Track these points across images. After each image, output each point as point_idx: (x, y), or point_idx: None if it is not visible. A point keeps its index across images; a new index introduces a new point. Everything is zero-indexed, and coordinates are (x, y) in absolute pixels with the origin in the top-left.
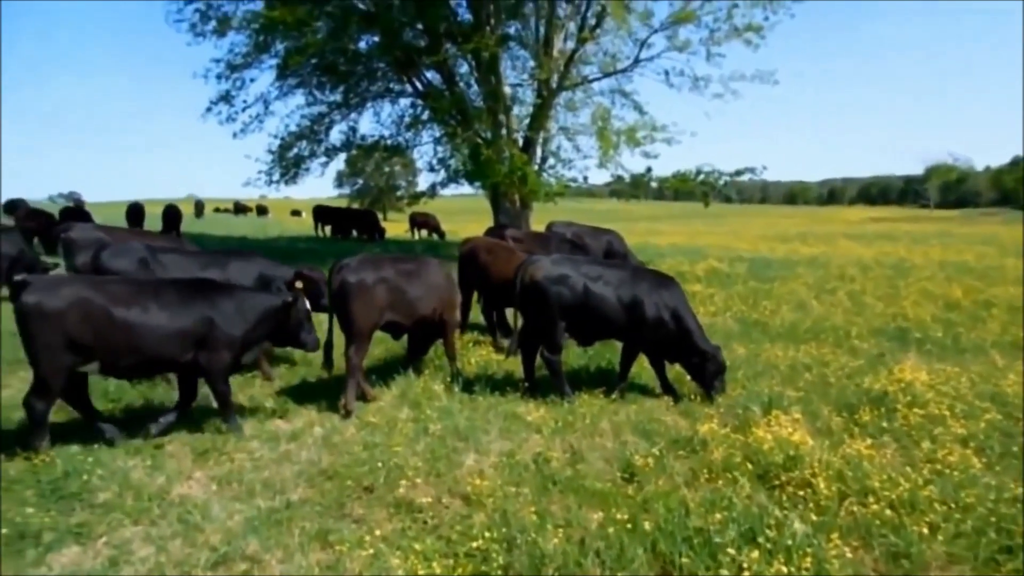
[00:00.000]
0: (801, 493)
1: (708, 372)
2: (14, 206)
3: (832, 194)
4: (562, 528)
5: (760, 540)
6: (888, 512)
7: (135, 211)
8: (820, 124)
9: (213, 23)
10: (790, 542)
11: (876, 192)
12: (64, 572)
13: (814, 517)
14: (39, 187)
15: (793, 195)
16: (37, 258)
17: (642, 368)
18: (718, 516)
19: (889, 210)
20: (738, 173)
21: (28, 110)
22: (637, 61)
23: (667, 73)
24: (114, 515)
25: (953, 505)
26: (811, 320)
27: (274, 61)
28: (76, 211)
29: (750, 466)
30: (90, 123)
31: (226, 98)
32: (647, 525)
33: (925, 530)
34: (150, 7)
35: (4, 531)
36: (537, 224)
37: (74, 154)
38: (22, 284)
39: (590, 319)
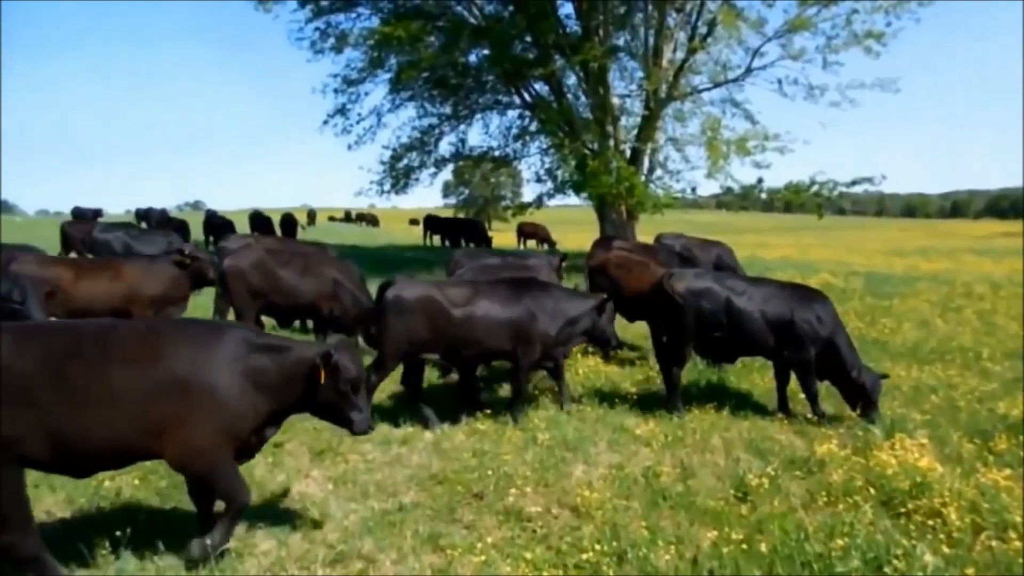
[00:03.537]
0: (930, 523)
1: (859, 393)
2: (147, 214)
3: (956, 207)
4: (673, 545)
5: (887, 570)
6: None
7: (259, 220)
8: (943, 131)
9: (332, 40)
10: (920, 574)
11: (1007, 205)
12: (193, 561)
13: (946, 550)
14: (166, 196)
15: (912, 208)
16: None
17: (753, 385)
18: (839, 542)
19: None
20: (854, 183)
21: (153, 123)
22: (749, 70)
23: (780, 82)
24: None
25: None
26: (935, 340)
27: (388, 75)
28: (220, 221)
29: (872, 491)
30: (212, 135)
31: (342, 111)
32: (763, 547)
33: None
34: (273, 26)
35: (142, 518)
36: (643, 235)
37: (197, 165)
38: (387, 282)
39: (733, 335)
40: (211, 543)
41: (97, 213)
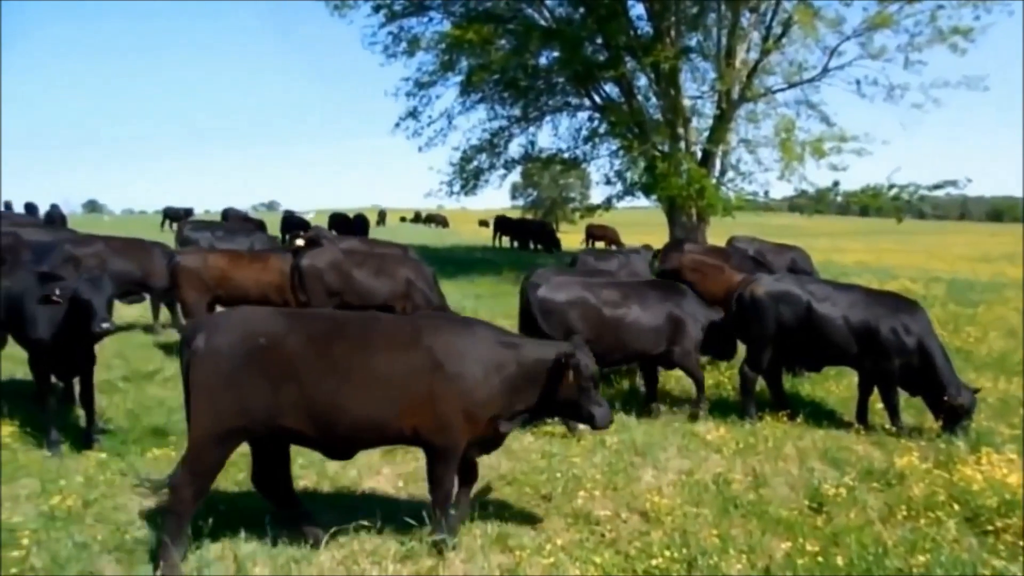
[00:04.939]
0: (1021, 543)
1: (950, 410)
2: (225, 215)
3: None
4: (745, 554)
5: None
6: None
7: (338, 220)
8: None
9: (404, 44)
10: None
11: None
12: (272, 551)
13: None
14: (241, 197)
15: (999, 211)
16: None
17: (828, 392)
18: (921, 558)
19: None
20: (937, 187)
21: (227, 125)
22: (826, 70)
23: (859, 82)
24: (315, 501)
25: None
26: None
27: (458, 78)
28: (297, 221)
29: (956, 507)
30: (285, 137)
31: (413, 114)
32: (839, 560)
33: None
34: (348, 31)
35: (221, 508)
36: (712, 238)
37: (270, 166)
38: (535, 284)
39: (813, 341)
40: (439, 537)
41: (188, 212)
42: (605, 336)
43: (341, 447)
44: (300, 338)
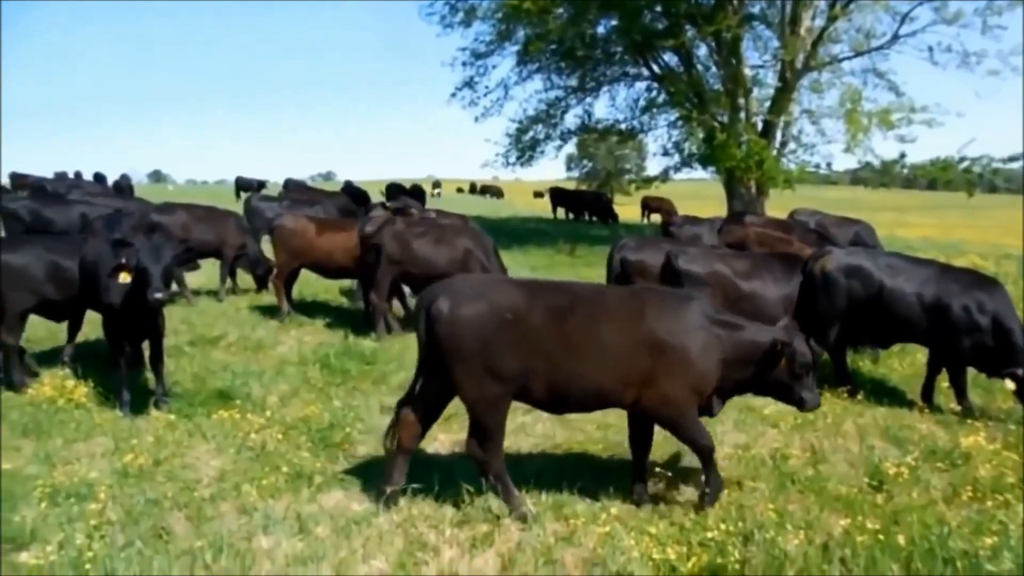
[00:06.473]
0: None
1: None
2: (287, 185)
3: None
4: (802, 529)
5: None
6: None
7: (396, 191)
8: None
9: (461, 14)
10: None
11: None
12: (333, 513)
13: None
14: (300, 167)
15: None
16: None
17: (891, 370)
18: (987, 540)
19: None
20: (1012, 159)
21: (285, 97)
22: (896, 37)
23: (931, 49)
24: (372, 466)
25: None
26: None
27: (515, 48)
28: (357, 191)
29: None
30: (341, 108)
31: (470, 84)
32: (900, 539)
33: None
34: (405, 4)
35: (284, 470)
36: (772, 212)
37: (326, 137)
38: (674, 254)
39: (884, 318)
40: (708, 491)
41: (261, 185)
42: (738, 307)
43: (566, 411)
44: (541, 311)
